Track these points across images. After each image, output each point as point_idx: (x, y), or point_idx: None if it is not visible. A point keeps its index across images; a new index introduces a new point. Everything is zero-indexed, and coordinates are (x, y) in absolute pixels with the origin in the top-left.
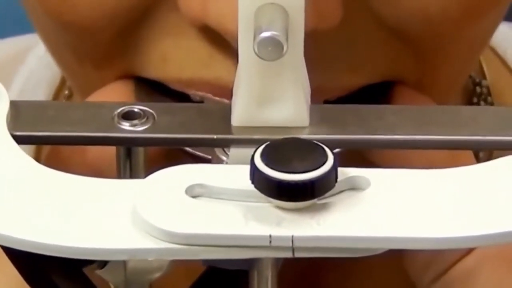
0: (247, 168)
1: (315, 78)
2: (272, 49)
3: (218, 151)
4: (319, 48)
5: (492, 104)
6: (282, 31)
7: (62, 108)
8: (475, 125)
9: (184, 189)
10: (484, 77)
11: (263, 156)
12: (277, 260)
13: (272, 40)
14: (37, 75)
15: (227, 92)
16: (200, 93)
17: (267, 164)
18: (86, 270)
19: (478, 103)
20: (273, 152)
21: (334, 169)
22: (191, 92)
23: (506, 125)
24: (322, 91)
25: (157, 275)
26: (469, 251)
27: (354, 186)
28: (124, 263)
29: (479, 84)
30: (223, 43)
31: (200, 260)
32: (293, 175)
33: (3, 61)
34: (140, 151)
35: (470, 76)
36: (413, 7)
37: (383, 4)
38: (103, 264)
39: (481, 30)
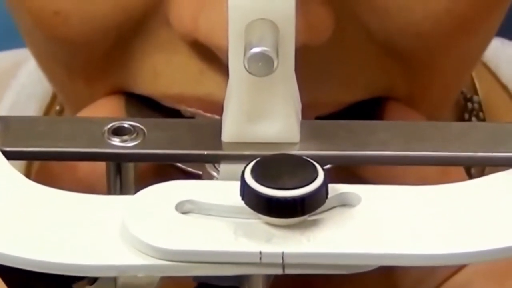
0: (237, 184)
1: (306, 94)
2: (262, 65)
3: (208, 166)
4: (310, 64)
5: (484, 120)
6: (273, 46)
7: (52, 123)
8: (466, 141)
9: (174, 205)
10: (476, 93)
11: (253, 172)
12: (267, 276)
13: (262, 56)
14: (29, 89)
15: (218, 108)
16: (191, 109)
17: (257, 180)
18: (76, 286)
19: (469, 119)
20: (263, 168)
21: (324, 185)
22: (182, 108)
23: (497, 141)
24: (313, 107)
25: None
26: (461, 267)
27: (345, 203)
28: (114, 279)
29: (471, 100)
30: (214, 58)
31: (190, 276)
32: (283, 191)
33: None
34: (130, 167)
35: (462, 92)
36: (405, 22)
37: (374, 19)
38: (93, 280)
39: (473, 45)
